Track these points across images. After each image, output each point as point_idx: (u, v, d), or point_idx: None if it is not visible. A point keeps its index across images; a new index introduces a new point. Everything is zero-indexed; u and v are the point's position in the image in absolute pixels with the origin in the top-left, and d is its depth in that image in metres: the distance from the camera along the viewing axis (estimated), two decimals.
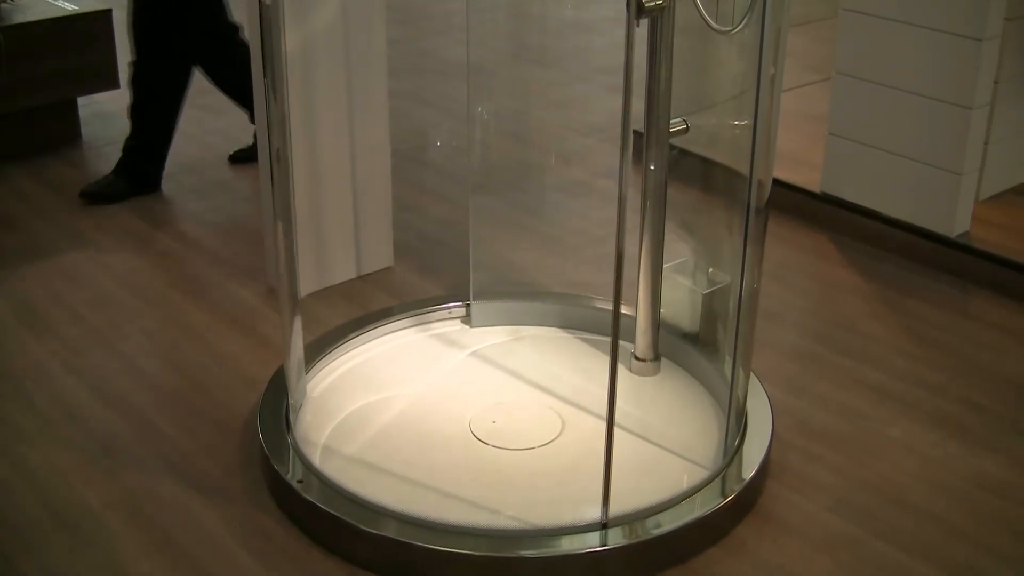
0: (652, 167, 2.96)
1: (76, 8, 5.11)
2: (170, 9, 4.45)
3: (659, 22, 2.71)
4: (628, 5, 2.31)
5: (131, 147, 4.62)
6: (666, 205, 3.02)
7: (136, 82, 4.59)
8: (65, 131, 5.14)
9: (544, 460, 2.83)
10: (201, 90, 4.91)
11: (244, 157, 4.90)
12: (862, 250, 4.14)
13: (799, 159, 4.52)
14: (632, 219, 3.06)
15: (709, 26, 2.62)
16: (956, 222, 4.00)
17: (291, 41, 3.40)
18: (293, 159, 3.45)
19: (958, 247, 3.98)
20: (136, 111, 4.62)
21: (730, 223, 3.06)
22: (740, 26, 2.58)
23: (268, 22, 2.64)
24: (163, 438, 3.05)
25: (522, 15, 4.83)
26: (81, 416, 3.14)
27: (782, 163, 4.37)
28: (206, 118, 5.38)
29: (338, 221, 3.79)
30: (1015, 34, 4.08)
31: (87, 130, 5.22)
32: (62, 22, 5.01)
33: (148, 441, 3.04)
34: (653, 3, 2.51)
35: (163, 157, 4.69)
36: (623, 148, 2.36)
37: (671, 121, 2.90)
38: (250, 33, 3.60)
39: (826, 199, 4.30)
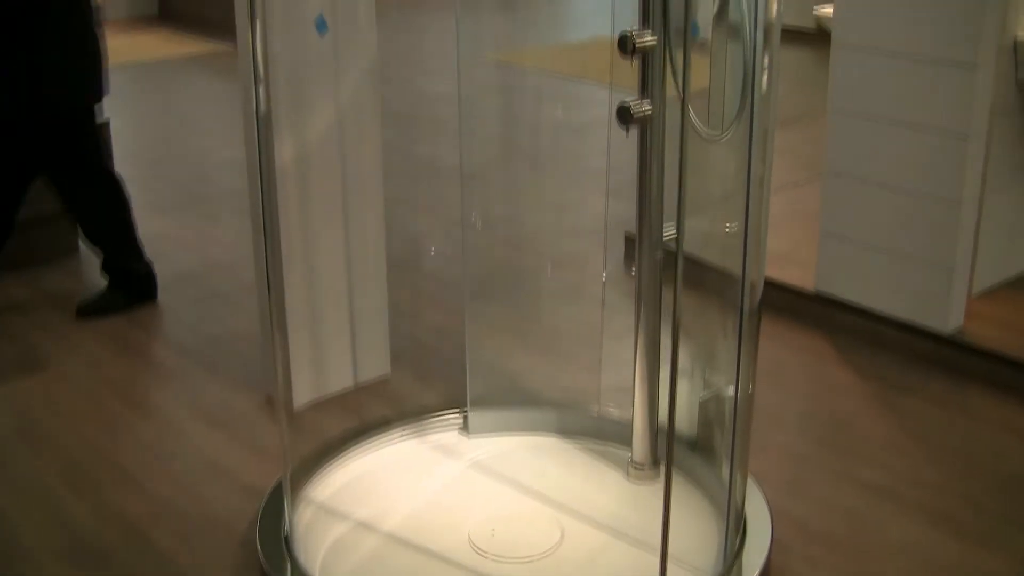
0: (645, 271, 2.97)
1: None
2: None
3: (649, 129, 2.74)
4: (617, 114, 2.35)
5: (105, 261, 4.60)
6: (660, 309, 3.04)
7: (68, 210, 4.58)
8: (63, 243, 5.16)
9: (544, 570, 2.81)
10: (199, 198, 4.97)
11: (92, 310, 4.55)
12: (857, 348, 4.15)
13: (792, 258, 4.55)
14: (626, 323, 3.10)
15: (698, 134, 2.65)
16: (950, 318, 4.02)
17: (286, 150, 3.45)
18: (289, 268, 3.48)
19: (953, 344, 4.00)
20: (87, 232, 4.62)
21: (724, 325, 3.07)
22: (728, 134, 2.62)
23: (263, 131, 2.67)
24: (159, 552, 3.03)
25: (514, 119, 4.89)
26: (77, 529, 3.13)
27: (776, 262, 4.40)
28: (204, 226, 5.43)
29: (335, 330, 3.80)
30: (1001, 128, 4.13)
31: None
32: None
33: (144, 555, 3.02)
34: (641, 111, 2.54)
35: (138, 251, 4.64)
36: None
37: (663, 226, 2.92)
38: (246, 143, 3.64)
39: (820, 298, 4.32)
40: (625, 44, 2.42)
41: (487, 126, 4.15)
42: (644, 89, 2.62)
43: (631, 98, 2.50)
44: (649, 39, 2.47)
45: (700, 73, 2.99)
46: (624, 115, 2.32)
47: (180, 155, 6.86)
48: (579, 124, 6.70)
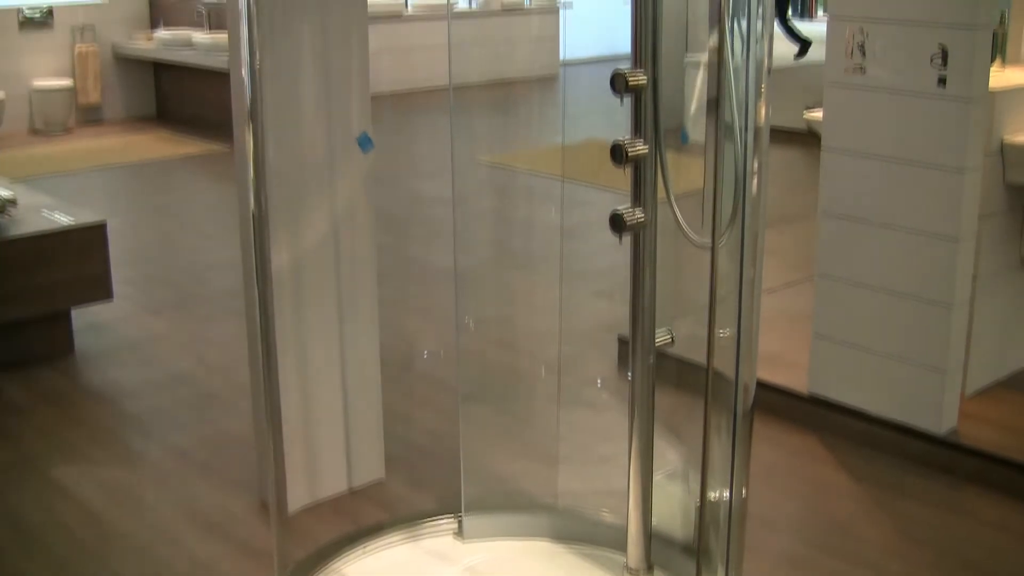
0: (638, 375, 2.99)
1: (71, 221, 5.21)
2: None
3: (642, 236, 2.77)
4: (610, 222, 2.38)
5: None
6: (654, 412, 3.05)
7: None
8: (58, 342, 5.18)
9: None
10: (194, 299, 4.99)
11: None
12: (852, 450, 4.15)
13: (785, 359, 4.56)
14: (620, 426, 3.10)
15: (690, 241, 2.68)
16: (944, 419, 4.03)
17: (281, 252, 3.48)
18: (284, 371, 3.49)
19: (947, 445, 4.00)
20: None
21: (718, 427, 3.07)
22: (721, 242, 2.65)
23: (258, 234, 2.70)
24: None
25: (507, 221, 4.94)
26: None
27: (769, 364, 4.41)
28: (199, 327, 5.44)
29: (329, 433, 3.80)
30: (990, 230, 4.18)
31: (80, 341, 5.26)
32: (57, 235, 5.10)
33: None
34: (634, 219, 2.58)
35: None
36: None
37: (656, 331, 2.94)
38: (242, 244, 3.66)
39: (813, 400, 4.33)
40: (618, 153, 2.46)
41: (480, 227, 4.20)
42: (637, 197, 2.65)
43: (624, 206, 2.54)
44: (641, 148, 2.51)
45: (691, 175, 3.03)
46: (617, 223, 2.35)
47: (176, 255, 6.90)
48: (572, 225, 6.74)
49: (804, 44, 10.09)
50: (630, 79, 2.47)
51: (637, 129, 2.55)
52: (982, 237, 4.08)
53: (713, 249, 2.29)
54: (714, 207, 2.83)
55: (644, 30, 2.51)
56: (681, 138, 2.74)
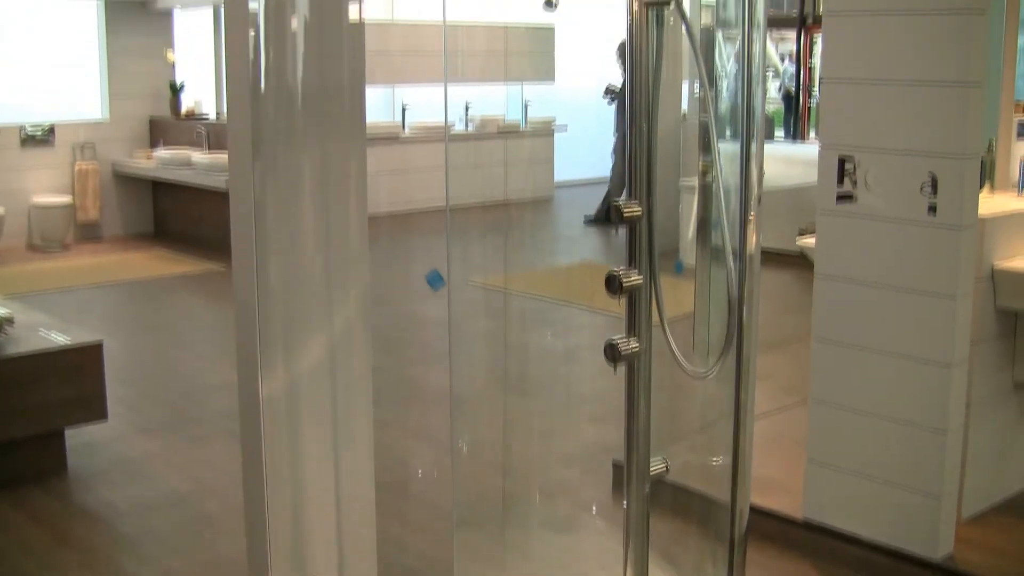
0: (633, 503, 2.98)
1: (68, 340, 5.23)
2: None
3: (637, 365, 2.79)
4: (605, 351, 2.40)
5: None
6: (649, 539, 3.04)
7: None
8: (51, 462, 5.16)
9: None
10: (189, 420, 4.98)
11: None
12: None
13: (779, 485, 4.55)
14: (616, 552, 3.09)
15: (684, 370, 2.70)
16: (940, 544, 4.01)
17: (277, 376, 3.48)
18: (276, 494, 3.48)
19: (943, 571, 3.98)
20: None
21: (713, 554, 3.07)
22: (714, 370, 2.67)
23: (254, 356, 2.71)
24: None
25: (502, 344, 4.96)
26: None
27: (763, 489, 4.40)
28: (191, 448, 5.43)
29: (322, 560, 3.76)
30: (982, 355, 4.20)
31: (73, 461, 5.24)
32: (53, 355, 5.11)
33: None
34: (629, 349, 2.60)
35: None
36: None
37: (652, 459, 2.95)
38: (238, 366, 3.67)
39: (808, 525, 4.31)
40: (613, 284, 2.50)
41: (476, 350, 4.22)
42: (631, 327, 2.68)
43: (618, 336, 2.57)
44: (636, 278, 2.54)
45: (684, 298, 3.07)
46: (612, 352, 2.38)
47: (172, 375, 6.90)
48: (566, 349, 6.77)
49: None
50: (625, 210, 2.52)
51: (632, 259, 2.59)
52: (975, 362, 4.10)
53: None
54: (708, 331, 2.86)
55: (639, 162, 2.56)
56: (676, 268, 2.78)
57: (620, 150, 11.66)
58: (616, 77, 11.39)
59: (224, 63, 3.70)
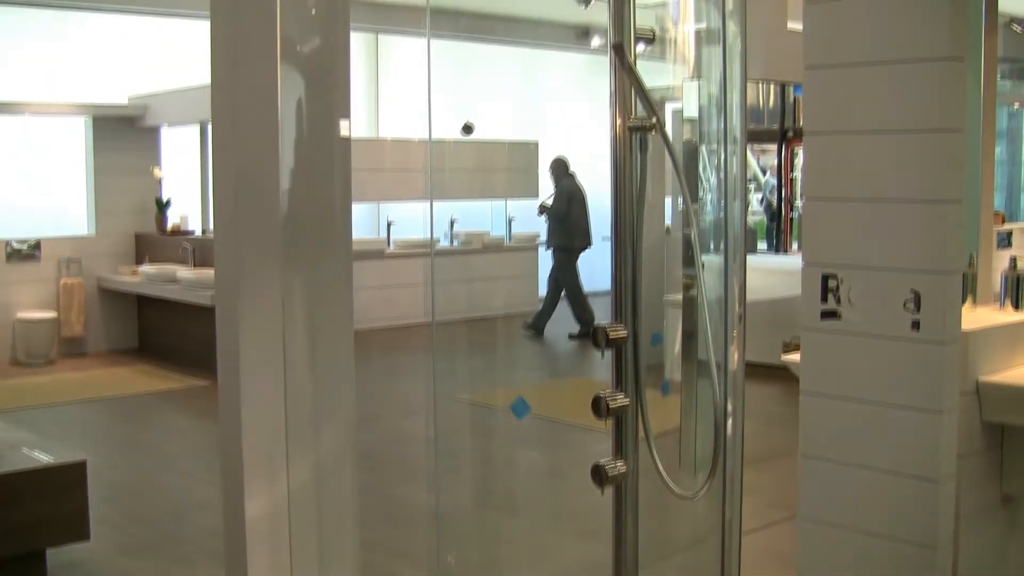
0: None
1: (50, 459, 5.18)
2: None
3: (624, 486, 2.78)
4: (592, 474, 2.40)
5: None
6: None
7: None
8: None
9: None
10: (172, 540, 4.91)
11: None
12: None
13: None
14: None
15: (672, 492, 2.70)
16: None
17: (261, 495, 3.45)
18: None
19: None
20: None
21: None
22: (701, 492, 2.66)
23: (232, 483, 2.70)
24: None
25: (489, 461, 4.94)
26: None
27: None
28: (175, 569, 5.36)
29: None
30: (970, 470, 4.19)
31: None
32: (36, 473, 5.07)
33: None
34: (616, 471, 2.59)
35: None
36: None
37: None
38: (222, 485, 3.64)
39: None
40: (599, 406, 2.50)
41: (461, 467, 4.20)
42: (618, 449, 2.68)
43: (605, 458, 2.56)
44: (622, 400, 2.55)
45: (670, 414, 3.07)
46: (599, 474, 2.37)
47: (156, 494, 6.83)
48: (552, 465, 6.74)
49: None
50: (611, 333, 2.53)
51: (618, 382, 2.59)
52: (962, 477, 4.09)
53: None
54: (694, 447, 2.86)
55: (623, 284, 2.58)
56: (662, 389, 2.78)
57: (565, 267, 11.75)
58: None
59: (211, 180, 3.75)
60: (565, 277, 11.71)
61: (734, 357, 2.69)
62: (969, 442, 4.19)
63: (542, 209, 11.82)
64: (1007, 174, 11.90)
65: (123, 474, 7.30)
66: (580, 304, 11.58)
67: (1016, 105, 12.74)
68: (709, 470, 2.70)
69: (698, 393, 2.99)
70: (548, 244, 11.98)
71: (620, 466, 2.58)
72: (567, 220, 11.69)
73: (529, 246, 13.44)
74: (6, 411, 8.23)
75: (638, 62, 2.66)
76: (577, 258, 11.77)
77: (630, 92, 2.57)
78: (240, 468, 3.16)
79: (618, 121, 2.59)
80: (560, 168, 11.79)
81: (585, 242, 11.74)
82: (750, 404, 2.84)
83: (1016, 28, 13.82)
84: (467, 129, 3.26)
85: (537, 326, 11.68)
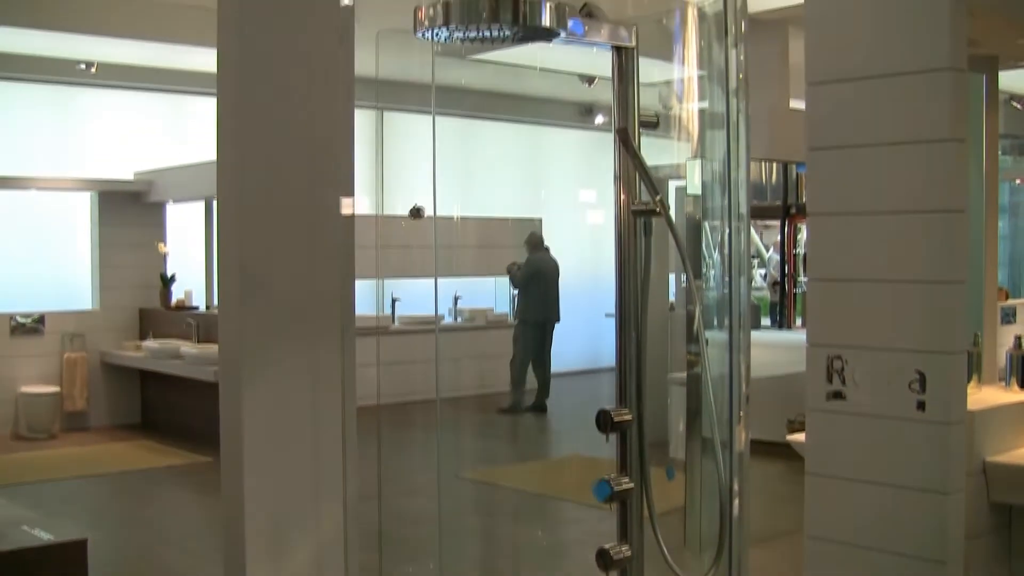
0: None
1: (51, 538, 5.13)
2: None
3: (629, 569, 2.76)
4: (597, 558, 2.38)
5: None
6: None
7: None
8: None
9: None
10: None
11: None
12: None
13: None
14: None
15: None
16: None
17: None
18: None
19: None
20: None
21: None
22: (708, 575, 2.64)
23: (233, 564, 2.68)
24: None
25: (493, 539, 4.89)
26: None
27: None
28: None
29: None
30: (977, 551, 4.16)
31: None
32: (37, 551, 5.02)
33: None
34: (621, 555, 2.58)
35: None
36: None
37: None
38: (224, 564, 3.61)
39: None
40: (604, 491, 2.49)
41: (466, 547, 4.16)
42: (623, 533, 2.66)
43: (610, 543, 2.55)
44: (626, 484, 2.54)
45: (675, 493, 3.05)
46: (604, 559, 2.36)
47: (158, 572, 6.78)
48: (556, 544, 6.68)
49: None
50: (615, 416, 2.52)
51: (623, 466, 2.58)
52: (970, 558, 4.05)
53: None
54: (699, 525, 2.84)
55: (627, 366, 2.58)
56: (667, 474, 2.77)
57: (521, 340, 11.75)
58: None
59: (215, 256, 3.76)
60: (520, 347, 11.73)
61: (740, 437, 2.67)
62: (977, 523, 4.16)
63: (508, 270, 11.87)
64: (1010, 250, 11.91)
65: (125, 552, 7.24)
66: (517, 378, 11.58)
67: (1018, 181, 12.79)
68: (715, 551, 2.67)
69: (703, 472, 2.97)
70: (514, 315, 12.06)
71: (625, 550, 2.56)
72: (527, 294, 11.76)
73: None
74: (8, 486, 8.19)
75: (642, 139, 2.67)
76: (543, 332, 11.76)
77: (634, 175, 2.59)
78: (242, 546, 3.14)
79: (622, 203, 2.60)
80: (532, 241, 11.84)
81: (546, 316, 11.76)
82: (754, 482, 2.82)
83: (1017, 105, 13.92)
84: (415, 213, 3.27)
85: (538, 405, 11.65)
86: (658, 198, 2.55)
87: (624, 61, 2.69)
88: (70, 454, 10.31)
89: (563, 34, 2.43)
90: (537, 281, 11.74)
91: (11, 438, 10.92)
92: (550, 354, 11.86)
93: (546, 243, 11.94)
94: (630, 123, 2.61)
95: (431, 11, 2.35)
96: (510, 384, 11.52)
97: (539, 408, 11.61)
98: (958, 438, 3.86)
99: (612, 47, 2.67)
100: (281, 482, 3.51)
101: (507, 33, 2.37)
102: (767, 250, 14.52)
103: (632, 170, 2.58)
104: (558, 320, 11.90)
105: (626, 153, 2.56)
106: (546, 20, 2.37)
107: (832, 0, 4.16)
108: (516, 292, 11.99)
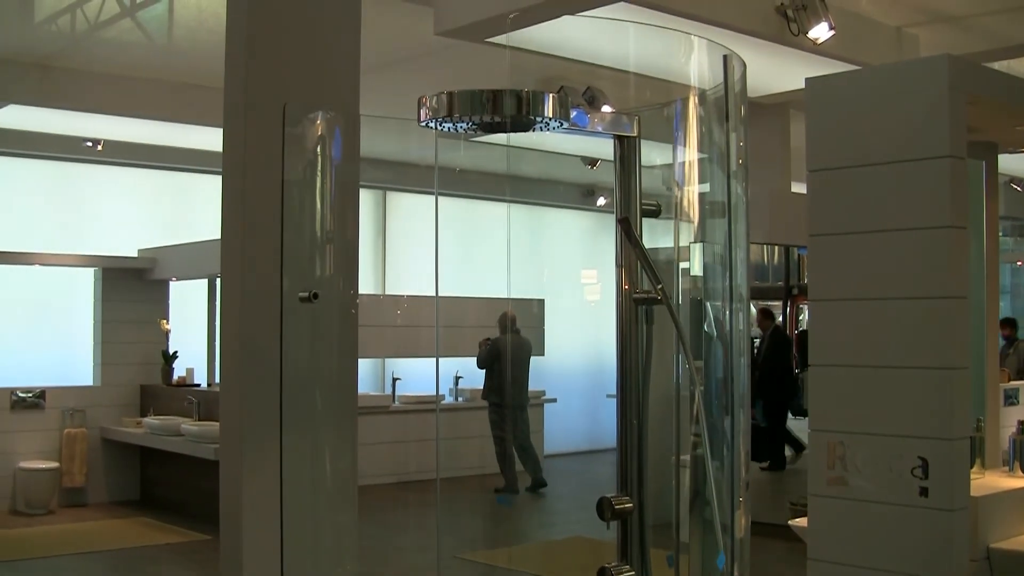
0: None
1: None
2: None
3: None
4: None
5: None
6: None
7: None
8: None
9: None
10: None
11: None
12: None
13: None
14: None
15: None
16: None
17: None
18: None
19: None
20: None
21: None
22: None
23: None
24: None
25: None
26: None
27: None
28: None
29: None
30: None
31: None
32: None
33: None
34: None
35: None
36: None
37: None
38: None
39: None
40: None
41: None
42: None
43: None
44: (627, 572, 2.53)
45: None
46: None
47: None
48: None
49: (799, 448, 10.16)
50: (616, 504, 2.52)
51: (624, 554, 2.57)
52: None
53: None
54: None
55: (628, 452, 2.57)
56: (668, 561, 2.75)
57: (494, 423, 11.67)
58: None
59: (218, 336, 3.77)
60: (495, 430, 11.65)
61: (740, 522, 2.66)
62: None
63: (480, 346, 11.79)
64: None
65: None
66: (501, 461, 11.46)
67: (1019, 263, 12.80)
68: None
69: (705, 554, 2.95)
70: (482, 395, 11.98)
71: None
72: (492, 374, 11.66)
73: (535, 402, 13.41)
74: (5, 562, 8.13)
75: (644, 224, 2.69)
76: (513, 412, 11.67)
77: (636, 263, 2.60)
78: None
79: (624, 290, 2.62)
80: (503, 322, 11.78)
81: (514, 398, 11.66)
82: (758, 564, 2.81)
83: (1017, 188, 13.96)
84: (309, 298, 3.28)
85: (535, 484, 11.54)
86: (659, 287, 2.56)
87: (626, 150, 2.71)
88: (68, 530, 10.24)
89: (566, 124, 2.46)
90: (497, 362, 11.65)
91: (8, 513, 10.85)
92: (527, 434, 11.76)
93: (519, 325, 11.85)
94: (632, 212, 2.63)
95: (434, 102, 2.38)
96: (499, 467, 11.43)
97: (536, 486, 11.51)
98: (961, 524, 3.84)
99: (614, 136, 2.70)
100: (280, 562, 3.49)
101: (508, 119, 2.39)
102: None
103: (634, 257, 2.59)
104: (524, 401, 11.81)
105: (628, 242, 2.57)
106: (549, 111, 2.39)
107: (831, 88, 4.21)
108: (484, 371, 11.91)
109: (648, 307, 2.59)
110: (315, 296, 3.21)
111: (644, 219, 2.71)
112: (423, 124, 2.43)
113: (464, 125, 2.38)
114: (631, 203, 2.65)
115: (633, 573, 2.52)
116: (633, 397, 2.59)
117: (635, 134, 2.70)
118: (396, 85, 6.87)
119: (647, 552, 2.53)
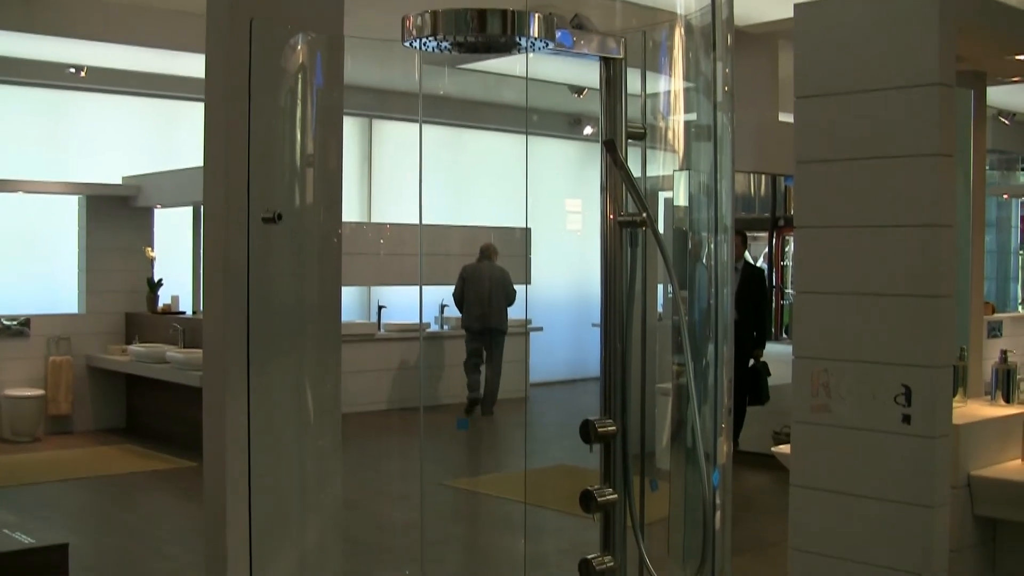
0: None
1: (33, 542, 5.11)
2: None
3: None
4: (580, 568, 2.37)
5: None
6: None
7: None
8: None
9: None
10: None
11: None
12: None
13: None
14: None
15: None
16: None
17: None
18: None
19: None
20: None
21: None
22: None
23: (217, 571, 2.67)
24: None
25: (476, 549, 4.88)
26: None
27: None
28: None
29: None
30: (961, 564, 4.16)
31: None
32: (18, 556, 4.99)
33: None
34: (604, 566, 2.57)
35: None
36: None
37: None
38: (207, 570, 3.60)
39: None
40: (588, 501, 2.49)
41: (447, 556, 4.15)
42: (606, 543, 2.65)
43: (593, 554, 2.55)
44: (610, 495, 2.54)
45: (659, 504, 3.04)
46: (586, 570, 2.36)
47: None
48: (540, 554, 6.66)
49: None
50: (599, 427, 2.52)
51: (607, 477, 2.58)
52: (954, 571, 4.05)
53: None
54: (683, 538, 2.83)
55: (612, 377, 2.57)
56: (651, 486, 2.76)
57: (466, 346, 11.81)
58: None
59: (203, 263, 3.75)
60: (466, 353, 11.75)
61: (723, 449, 2.67)
62: (961, 537, 4.16)
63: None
64: (997, 264, 11.91)
65: (107, 557, 7.21)
66: (468, 382, 11.57)
67: (1005, 196, 12.80)
68: (698, 562, 2.67)
69: (687, 483, 2.96)
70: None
71: (608, 561, 2.56)
72: (463, 302, 11.73)
73: (519, 331, 13.43)
74: None
75: (629, 152, 2.68)
76: (481, 339, 11.72)
77: (621, 187, 2.59)
78: (224, 554, 3.12)
79: (609, 215, 2.60)
80: (481, 250, 11.80)
81: (482, 324, 11.71)
82: (741, 494, 2.82)
83: (1004, 120, 13.94)
84: (271, 219, 3.25)
85: (484, 411, 11.60)
86: (644, 214, 2.55)
87: (612, 73, 2.69)
88: (53, 458, 10.27)
89: (551, 45, 2.43)
90: (469, 289, 11.70)
91: None
92: (498, 363, 11.81)
93: (498, 253, 11.85)
94: (617, 135, 2.61)
95: (419, 20, 2.35)
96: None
97: (484, 413, 11.55)
98: (943, 452, 3.86)
99: (600, 58, 2.67)
100: (264, 488, 3.50)
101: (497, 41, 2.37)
102: (755, 262, 14.53)
103: (619, 181, 2.57)
104: (501, 330, 11.84)
105: (613, 164, 2.56)
106: (535, 31, 2.37)
107: (821, 15, 4.17)
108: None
109: (632, 231, 2.58)
110: (279, 217, 3.19)
111: (631, 150, 2.70)
112: (406, 44, 2.40)
113: (447, 45, 2.36)
114: (617, 126, 2.63)
115: (616, 495, 2.53)
116: (617, 321, 2.58)
117: (621, 56, 2.67)
118: (383, 4, 6.78)
119: (630, 477, 2.54)
